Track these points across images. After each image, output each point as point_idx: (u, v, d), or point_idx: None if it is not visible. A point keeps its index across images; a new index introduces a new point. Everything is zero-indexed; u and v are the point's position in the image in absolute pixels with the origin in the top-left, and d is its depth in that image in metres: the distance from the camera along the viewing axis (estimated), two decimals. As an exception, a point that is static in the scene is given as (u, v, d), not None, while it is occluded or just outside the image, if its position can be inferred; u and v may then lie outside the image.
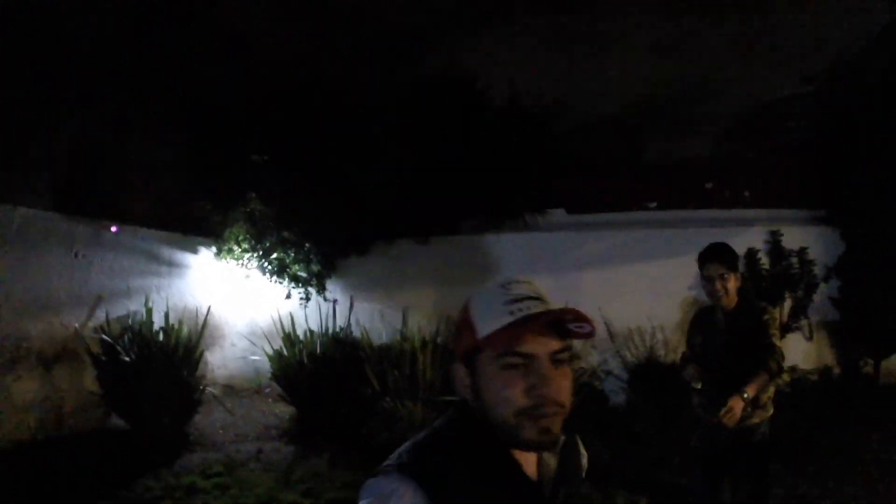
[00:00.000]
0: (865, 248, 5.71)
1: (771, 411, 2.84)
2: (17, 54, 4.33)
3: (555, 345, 0.92)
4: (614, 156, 7.22)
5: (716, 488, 2.97)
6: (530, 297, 0.94)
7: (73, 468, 4.03)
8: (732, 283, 2.77)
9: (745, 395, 2.45)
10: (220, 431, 5.18)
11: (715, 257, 2.81)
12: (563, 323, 0.92)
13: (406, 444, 0.99)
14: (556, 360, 0.92)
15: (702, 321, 3.00)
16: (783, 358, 2.64)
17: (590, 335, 0.94)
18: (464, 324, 0.97)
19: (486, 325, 0.92)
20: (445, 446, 0.96)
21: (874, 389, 5.54)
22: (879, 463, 4.33)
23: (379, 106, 6.01)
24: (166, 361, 4.69)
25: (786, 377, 5.69)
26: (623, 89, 7.62)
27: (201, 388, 5.13)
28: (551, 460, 1.03)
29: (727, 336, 2.78)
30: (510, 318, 0.91)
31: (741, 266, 5.68)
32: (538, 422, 0.90)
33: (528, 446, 0.95)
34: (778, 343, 2.69)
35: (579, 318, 0.91)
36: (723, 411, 2.43)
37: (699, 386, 2.80)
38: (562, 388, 0.92)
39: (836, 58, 6.26)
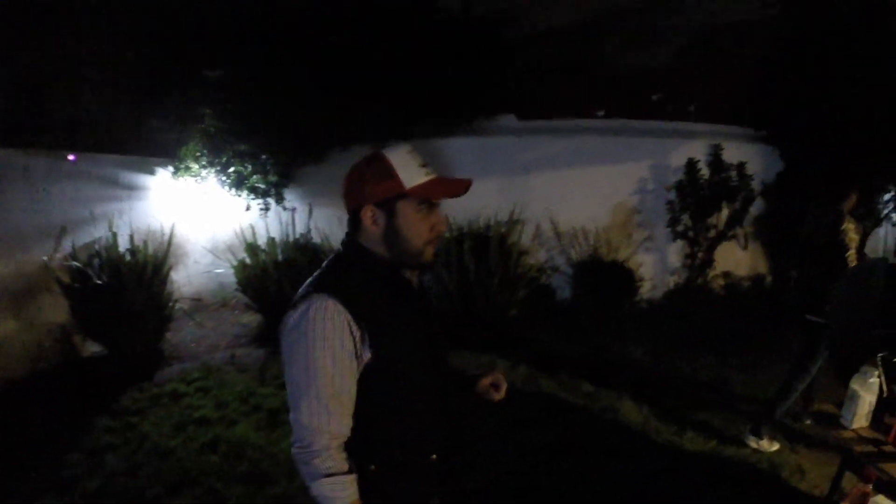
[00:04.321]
0: (801, 168, 5.87)
1: None
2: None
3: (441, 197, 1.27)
4: (566, 64, 7.18)
5: None
6: (427, 164, 1.25)
7: (61, 394, 4.10)
8: None
9: None
10: (193, 344, 5.30)
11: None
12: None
13: (313, 277, 1.25)
14: (437, 205, 1.27)
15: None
16: None
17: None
18: (384, 175, 1.20)
19: (411, 179, 1.20)
20: (348, 272, 1.24)
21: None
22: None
23: (331, 14, 5.80)
24: (137, 281, 4.67)
25: (720, 281, 6.10)
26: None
27: (171, 304, 5.13)
28: (413, 278, 1.35)
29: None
30: (426, 178, 1.22)
31: (681, 174, 5.81)
32: (433, 247, 1.27)
33: (421, 266, 1.30)
34: None
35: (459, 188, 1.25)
36: None
37: None
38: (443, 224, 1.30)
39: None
